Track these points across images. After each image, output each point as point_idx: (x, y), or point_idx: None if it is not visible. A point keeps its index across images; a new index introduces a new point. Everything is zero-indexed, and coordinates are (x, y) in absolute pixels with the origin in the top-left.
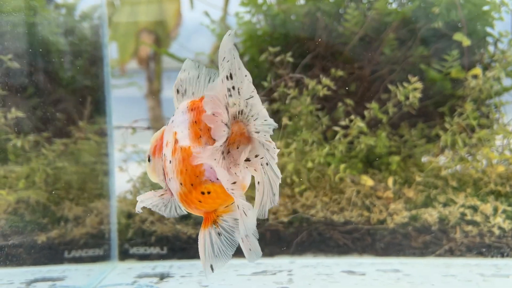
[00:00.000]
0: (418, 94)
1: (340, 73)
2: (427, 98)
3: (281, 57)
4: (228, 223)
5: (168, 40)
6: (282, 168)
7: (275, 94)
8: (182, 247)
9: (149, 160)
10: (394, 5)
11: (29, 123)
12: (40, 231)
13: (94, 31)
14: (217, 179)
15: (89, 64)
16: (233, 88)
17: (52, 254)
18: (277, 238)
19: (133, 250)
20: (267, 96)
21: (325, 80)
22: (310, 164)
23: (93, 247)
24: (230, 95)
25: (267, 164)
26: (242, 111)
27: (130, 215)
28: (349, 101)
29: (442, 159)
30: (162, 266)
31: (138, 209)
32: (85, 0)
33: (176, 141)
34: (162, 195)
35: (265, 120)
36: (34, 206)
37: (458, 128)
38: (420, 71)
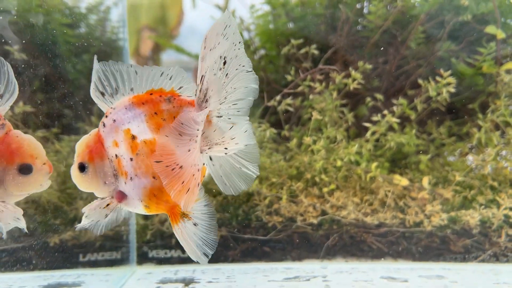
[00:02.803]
0: (452, 89)
1: (368, 66)
2: (455, 94)
3: (305, 49)
4: (198, 211)
5: (169, 39)
6: (310, 167)
7: (296, 89)
8: None
9: (84, 169)
10: None
11: (37, 118)
12: (52, 233)
13: (103, 24)
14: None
15: (100, 57)
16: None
17: (66, 257)
18: (306, 241)
19: (153, 253)
20: (293, 88)
21: (355, 74)
22: (339, 163)
23: (110, 250)
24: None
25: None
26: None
27: (147, 216)
28: (379, 96)
29: (470, 158)
30: (184, 270)
31: (81, 226)
32: None
33: (133, 137)
34: (108, 205)
35: (234, 104)
36: (45, 206)
37: (491, 125)
38: (447, 66)
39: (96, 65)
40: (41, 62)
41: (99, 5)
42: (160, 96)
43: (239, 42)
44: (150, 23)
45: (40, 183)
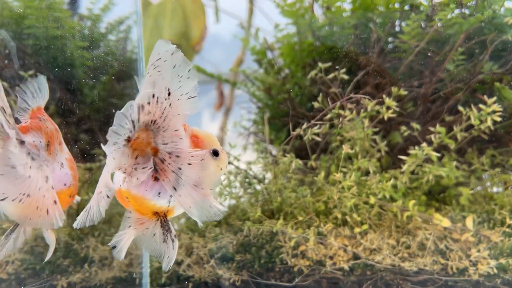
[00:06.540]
0: (498, 118)
1: (403, 93)
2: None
3: (334, 74)
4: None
5: (191, 54)
6: (339, 203)
7: (323, 118)
8: None
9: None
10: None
11: None
12: (60, 275)
13: (121, 44)
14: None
15: (116, 80)
16: (153, 96)
17: None
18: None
19: None
20: (321, 118)
21: (389, 101)
22: (372, 200)
23: None
24: (148, 103)
25: (179, 168)
26: (155, 121)
27: None
28: (415, 125)
29: None
30: None
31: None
32: (113, 12)
33: None
34: None
35: (175, 131)
36: None
37: None
38: (489, 89)
39: None
40: (56, 85)
41: (118, 25)
42: None
43: (188, 71)
44: (173, 39)
45: None
